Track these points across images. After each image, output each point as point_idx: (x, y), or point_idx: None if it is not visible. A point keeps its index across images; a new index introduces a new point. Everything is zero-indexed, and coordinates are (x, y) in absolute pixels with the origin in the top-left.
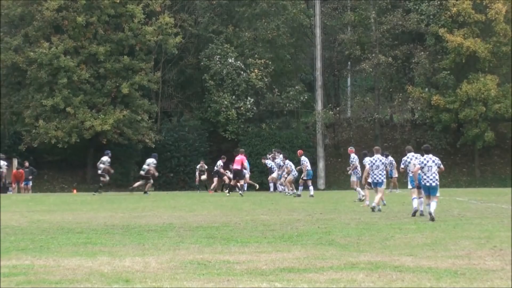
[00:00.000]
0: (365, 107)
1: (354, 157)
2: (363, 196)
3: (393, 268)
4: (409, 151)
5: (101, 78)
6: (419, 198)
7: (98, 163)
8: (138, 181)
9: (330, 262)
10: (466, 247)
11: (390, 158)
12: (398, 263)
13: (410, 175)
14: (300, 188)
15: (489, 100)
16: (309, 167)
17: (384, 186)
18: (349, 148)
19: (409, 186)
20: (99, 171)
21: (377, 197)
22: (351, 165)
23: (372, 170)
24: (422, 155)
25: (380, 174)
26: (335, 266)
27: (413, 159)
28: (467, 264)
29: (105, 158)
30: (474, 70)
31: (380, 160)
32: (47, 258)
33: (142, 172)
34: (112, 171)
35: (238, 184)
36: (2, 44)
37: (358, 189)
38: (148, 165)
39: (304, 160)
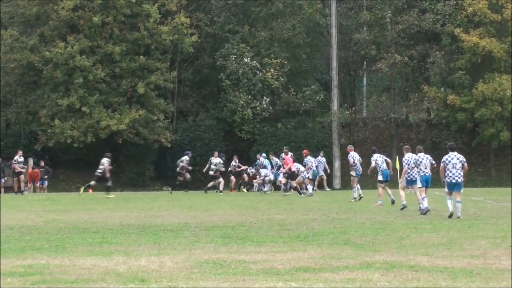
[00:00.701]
0: (380, 107)
1: (350, 155)
2: (358, 196)
3: (409, 268)
4: (420, 151)
5: (117, 78)
6: (423, 197)
7: (178, 161)
8: (212, 181)
9: (345, 261)
10: (482, 247)
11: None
12: (414, 263)
13: (421, 174)
14: (310, 187)
15: (505, 99)
16: (313, 167)
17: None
18: (348, 147)
19: (418, 185)
20: (177, 169)
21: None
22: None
23: (418, 168)
24: (447, 153)
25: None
26: (350, 266)
27: (424, 159)
28: (482, 263)
29: (185, 158)
30: (490, 70)
31: (427, 158)
32: (62, 257)
33: (211, 172)
34: (189, 168)
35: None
36: (18, 43)
37: (355, 188)
38: (215, 165)
39: (309, 160)
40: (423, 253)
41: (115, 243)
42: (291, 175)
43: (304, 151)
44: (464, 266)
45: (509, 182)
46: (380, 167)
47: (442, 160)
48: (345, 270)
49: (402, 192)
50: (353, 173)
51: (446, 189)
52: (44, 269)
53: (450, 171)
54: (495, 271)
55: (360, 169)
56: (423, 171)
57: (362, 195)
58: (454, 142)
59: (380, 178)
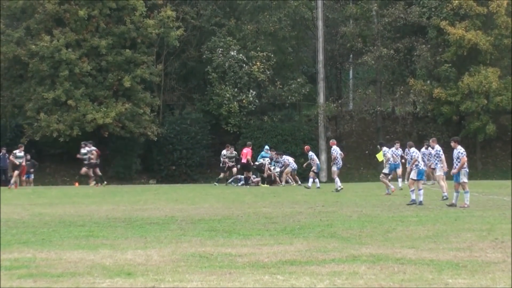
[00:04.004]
0: (367, 100)
1: (334, 149)
2: (339, 187)
3: (395, 261)
4: (411, 146)
5: (103, 71)
6: (414, 189)
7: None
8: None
9: (332, 254)
10: (468, 240)
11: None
12: (400, 256)
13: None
14: (311, 180)
15: (490, 92)
16: (318, 161)
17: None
18: (330, 141)
19: (414, 177)
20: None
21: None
22: (331, 156)
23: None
24: (456, 147)
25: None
26: (337, 259)
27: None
28: (468, 256)
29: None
30: (476, 63)
31: (461, 152)
32: (48, 251)
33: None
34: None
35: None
36: (4, 36)
37: (337, 179)
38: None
39: (312, 154)
40: (409, 246)
41: (101, 237)
42: (243, 167)
43: (306, 147)
44: (450, 259)
45: (495, 175)
46: (390, 161)
47: (462, 153)
48: (331, 263)
49: (442, 183)
50: (334, 168)
51: (466, 180)
52: (30, 262)
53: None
54: (481, 264)
55: (341, 163)
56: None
57: (341, 187)
58: (441, 136)
59: (386, 171)
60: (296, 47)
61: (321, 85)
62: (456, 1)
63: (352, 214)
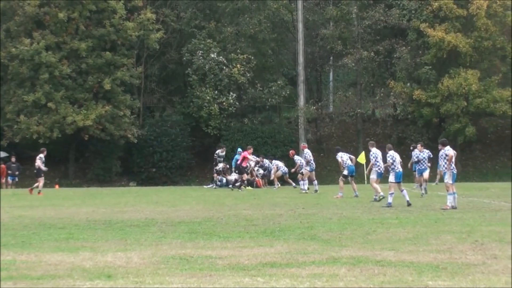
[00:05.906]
0: (347, 102)
1: (306, 152)
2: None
3: (375, 263)
4: (390, 149)
5: (83, 74)
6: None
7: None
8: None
9: (312, 256)
10: (448, 242)
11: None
12: (380, 258)
13: (396, 170)
14: (301, 182)
15: (470, 95)
16: (302, 161)
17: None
18: (302, 144)
19: (392, 180)
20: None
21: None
22: (304, 159)
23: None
24: (441, 148)
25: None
26: (317, 261)
27: (398, 156)
28: (448, 258)
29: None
30: (456, 65)
31: (446, 149)
32: (28, 253)
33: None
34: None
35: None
36: None
37: (306, 181)
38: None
39: (298, 159)
40: (389, 248)
41: (81, 239)
42: (237, 169)
43: (291, 151)
44: (430, 261)
45: (474, 177)
46: (346, 163)
47: (448, 149)
48: (312, 265)
49: (375, 185)
50: (308, 168)
51: (451, 182)
52: (10, 265)
53: (453, 164)
54: (461, 266)
55: (314, 164)
56: (398, 167)
57: (317, 190)
58: (421, 138)
59: (345, 173)
60: (276, 49)
61: (301, 87)
62: (436, 3)
63: (332, 216)
